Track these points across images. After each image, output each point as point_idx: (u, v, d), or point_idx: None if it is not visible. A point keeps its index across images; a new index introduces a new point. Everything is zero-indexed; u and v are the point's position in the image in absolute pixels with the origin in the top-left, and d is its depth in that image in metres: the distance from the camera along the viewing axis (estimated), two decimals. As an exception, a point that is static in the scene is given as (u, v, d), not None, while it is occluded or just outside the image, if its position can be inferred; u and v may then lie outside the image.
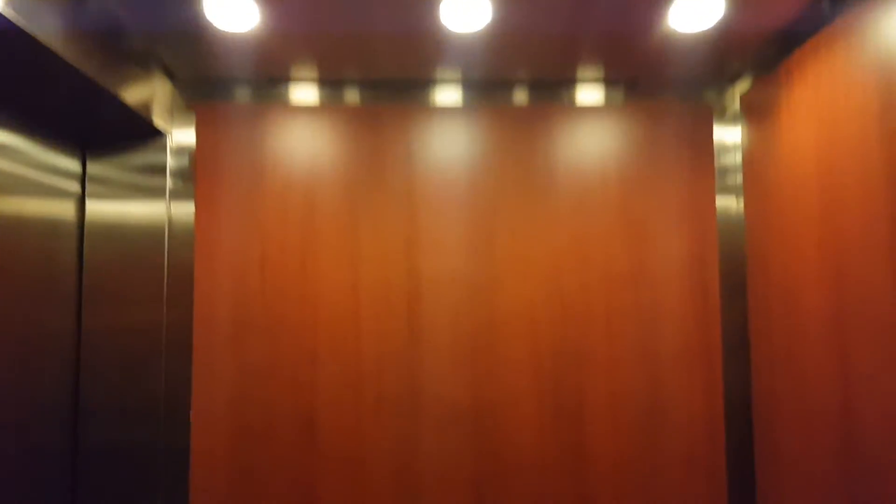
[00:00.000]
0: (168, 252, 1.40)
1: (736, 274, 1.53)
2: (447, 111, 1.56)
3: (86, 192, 1.44)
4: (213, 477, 1.44)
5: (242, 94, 1.54)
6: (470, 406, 1.48)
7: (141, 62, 1.32)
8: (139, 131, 1.39)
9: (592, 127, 1.56)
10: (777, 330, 1.36)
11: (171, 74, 1.45)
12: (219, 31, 1.28)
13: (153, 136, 1.41)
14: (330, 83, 1.55)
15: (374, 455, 1.46)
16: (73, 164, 1.40)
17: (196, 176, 1.51)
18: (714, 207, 1.56)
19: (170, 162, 1.41)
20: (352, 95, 1.56)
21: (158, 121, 1.37)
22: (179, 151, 1.45)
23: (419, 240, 1.52)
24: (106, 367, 1.39)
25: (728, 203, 1.56)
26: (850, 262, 1.11)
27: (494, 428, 1.48)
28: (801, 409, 1.27)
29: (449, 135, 1.55)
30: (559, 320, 1.51)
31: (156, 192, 1.40)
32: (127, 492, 1.35)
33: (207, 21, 1.25)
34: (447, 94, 1.57)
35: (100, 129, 1.39)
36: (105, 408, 1.37)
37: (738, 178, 1.55)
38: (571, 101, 1.57)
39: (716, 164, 1.57)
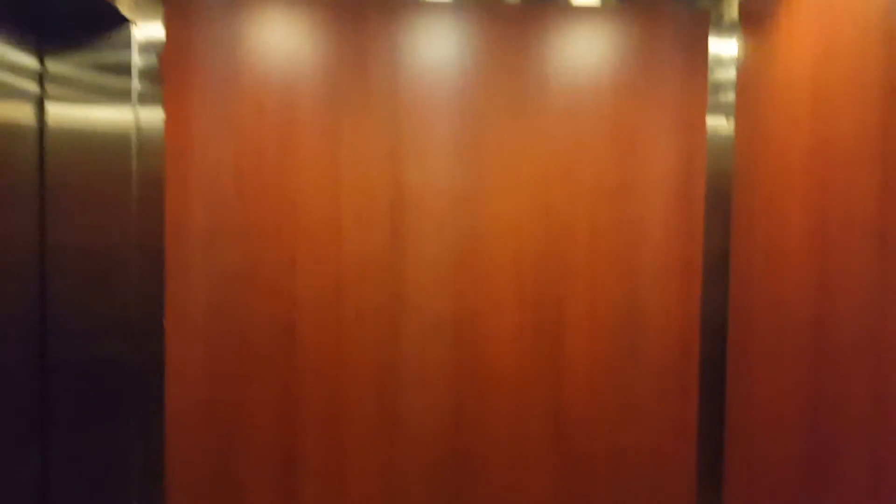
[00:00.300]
0: (136, 157, 1.32)
1: (721, 191, 1.52)
2: (435, 6, 1.47)
3: (45, 94, 1.34)
4: (190, 388, 1.42)
5: (214, -18, 1.44)
6: (451, 316, 1.48)
7: (101, -61, 1.21)
8: (102, 20, 1.28)
9: (586, 29, 1.50)
10: (758, 247, 1.36)
11: (135, -43, 1.33)
12: None
13: (117, 25, 1.30)
14: (310, -29, 1.45)
15: (354, 363, 1.46)
16: (29, 61, 1.30)
17: (165, 74, 1.42)
18: (705, 122, 1.53)
19: (137, 60, 1.31)
20: (333, -14, 1.46)
21: (123, 8, 1.26)
22: (146, 48, 1.35)
23: (403, 145, 1.47)
24: (73, 279, 1.33)
25: (719, 122, 1.53)
26: (837, 175, 1.09)
27: (475, 337, 1.48)
28: (775, 325, 1.28)
29: (437, 32, 1.47)
30: (543, 231, 1.49)
31: (122, 95, 1.31)
32: (100, 406, 1.32)
33: None
34: (435, -12, 1.48)
35: (58, 16, 1.27)
36: (74, 322, 1.32)
37: (731, 97, 1.51)
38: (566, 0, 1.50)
39: (709, 79, 1.53)
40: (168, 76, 1.41)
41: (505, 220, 1.48)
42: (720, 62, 1.53)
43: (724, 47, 1.52)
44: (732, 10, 1.51)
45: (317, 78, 1.44)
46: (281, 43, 1.44)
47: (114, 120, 1.31)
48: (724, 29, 1.52)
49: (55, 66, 1.32)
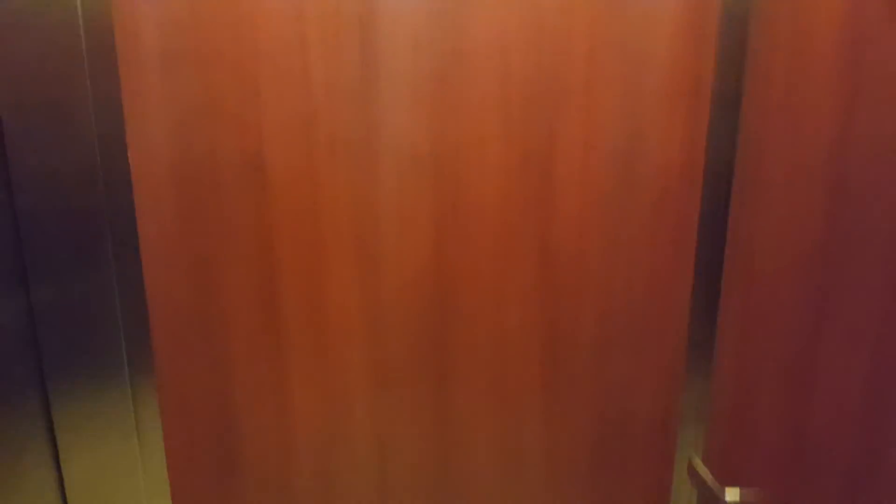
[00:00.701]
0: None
1: (739, 7, 1.32)
2: None
3: None
4: (162, 230, 1.35)
5: None
6: (430, 148, 1.36)
7: None
8: None
9: None
10: (778, 71, 1.20)
11: None
12: None
13: None
14: None
15: (329, 201, 1.37)
16: None
17: None
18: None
19: None
20: None
21: None
22: None
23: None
24: (30, 130, 1.21)
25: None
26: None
27: (456, 172, 1.37)
28: (790, 161, 1.16)
29: None
30: (534, 50, 1.32)
31: None
32: (77, 254, 1.27)
33: None
34: None
35: None
36: (38, 174, 1.23)
37: None
38: None
39: None
40: None
41: (490, 37, 1.31)
42: None
43: None
44: None
45: None
46: None
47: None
48: None
49: None
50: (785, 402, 1.16)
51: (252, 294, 1.39)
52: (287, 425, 1.46)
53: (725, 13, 1.32)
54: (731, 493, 1.33)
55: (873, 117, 0.94)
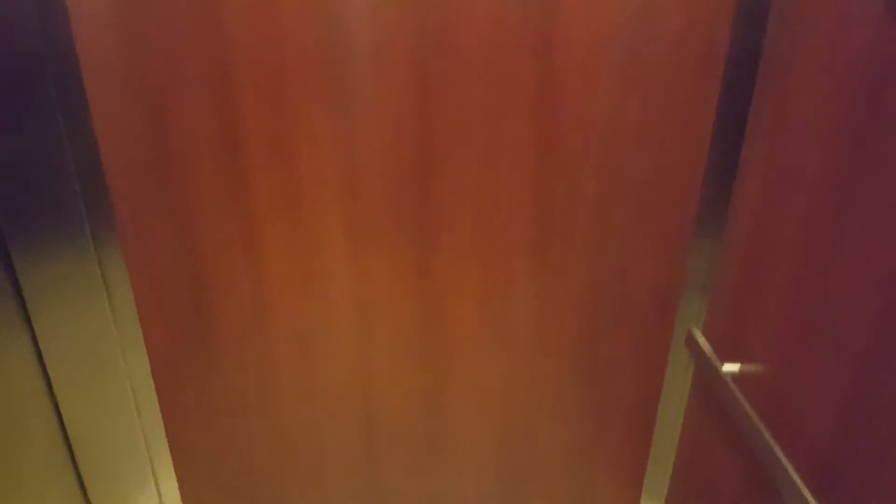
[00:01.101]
0: None
1: None
2: None
3: None
4: (108, 65, 1.18)
5: None
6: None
7: None
8: None
9: None
10: None
11: None
12: None
13: None
14: None
15: (293, 29, 1.15)
16: None
17: None
18: None
19: None
20: None
21: None
22: None
23: None
24: None
25: None
26: None
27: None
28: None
29: None
30: None
31: None
32: (16, 103, 1.13)
33: None
34: None
35: None
36: None
37: None
38: None
39: None
40: None
41: None
42: None
43: None
44: None
45: None
46: None
47: None
48: None
49: None
50: (800, 275, 1.02)
51: (212, 138, 1.25)
52: (259, 281, 1.38)
53: None
54: (730, 366, 1.23)
55: None
